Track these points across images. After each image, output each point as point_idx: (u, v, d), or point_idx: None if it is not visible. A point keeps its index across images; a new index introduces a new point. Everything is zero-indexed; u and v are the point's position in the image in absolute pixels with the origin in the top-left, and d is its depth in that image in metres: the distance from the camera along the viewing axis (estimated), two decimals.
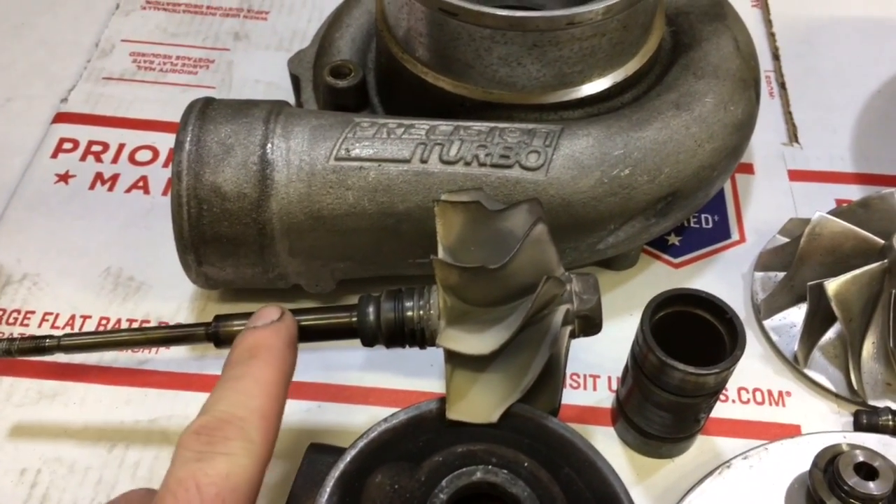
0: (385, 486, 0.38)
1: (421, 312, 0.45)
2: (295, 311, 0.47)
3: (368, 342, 0.47)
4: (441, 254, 0.44)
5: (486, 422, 0.42)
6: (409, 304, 0.46)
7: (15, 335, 0.58)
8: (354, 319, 0.46)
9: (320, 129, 0.54)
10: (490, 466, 0.38)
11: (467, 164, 0.53)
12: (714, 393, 0.48)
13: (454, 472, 0.38)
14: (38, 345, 0.49)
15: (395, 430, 0.43)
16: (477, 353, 0.42)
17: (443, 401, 0.43)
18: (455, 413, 0.42)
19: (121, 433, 0.54)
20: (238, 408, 0.38)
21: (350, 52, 0.67)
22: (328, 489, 0.40)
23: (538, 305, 0.42)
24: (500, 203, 0.45)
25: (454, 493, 0.37)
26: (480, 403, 0.43)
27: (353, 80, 0.63)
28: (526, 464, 0.39)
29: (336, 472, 0.41)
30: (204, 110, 0.54)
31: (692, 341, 0.48)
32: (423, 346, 0.47)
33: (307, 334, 0.46)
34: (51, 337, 0.49)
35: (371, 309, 0.46)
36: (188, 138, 0.52)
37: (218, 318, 0.47)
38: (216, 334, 0.47)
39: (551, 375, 0.44)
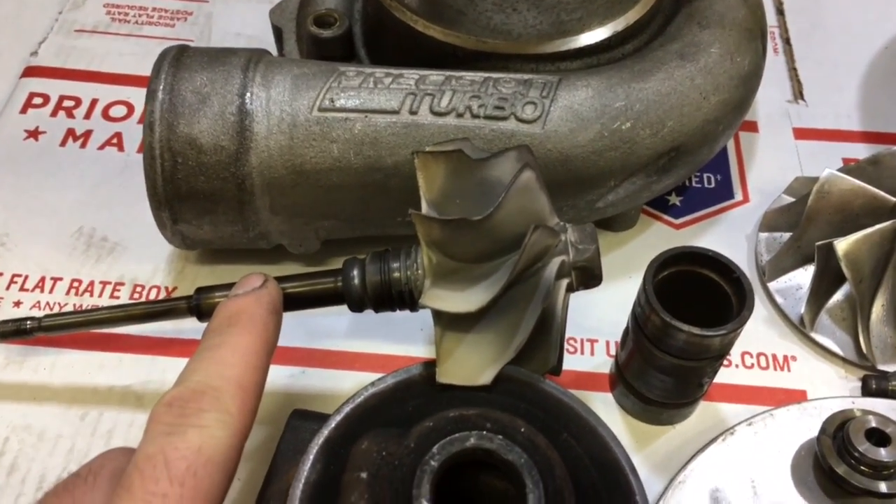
0: (372, 452, 0.35)
1: (408, 273, 0.43)
2: (278, 279, 0.45)
3: (356, 307, 0.44)
4: (425, 209, 0.41)
5: (477, 384, 0.40)
6: (395, 264, 0.43)
7: None
8: (340, 284, 0.44)
9: (303, 78, 0.50)
10: (484, 432, 0.35)
11: (459, 115, 0.50)
12: (719, 356, 0.46)
13: (446, 437, 0.35)
14: (19, 327, 0.48)
15: (382, 394, 0.40)
16: (463, 311, 0.39)
17: (431, 364, 0.41)
18: (444, 376, 0.40)
19: (94, 400, 0.51)
20: (214, 378, 0.35)
21: (335, 1, 0.64)
22: (311, 456, 0.38)
23: (528, 258, 0.40)
24: (487, 152, 0.42)
25: (446, 459, 0.34)
26: (471, 365, 0.40)
27: (339, 30, 0.59)
28: (522, 429, 0.36)
29: (320, 439, 0.38)
30: (178, 58, 0.51)
31: (695, 303, 0.45)
32: (413, 308, 0.44)
33: (291, 302, 0.44)
34: (31, 318, 0.48)
35: (356, 272, 0.44)
36: (161, 87, 0.49)
37: (200, 290, 0.45)
38: (198, 307, 0.45)
39: (546, 332, 0.42)
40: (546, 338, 0.42)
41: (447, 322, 0.41)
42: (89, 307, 0.55)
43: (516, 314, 0.41)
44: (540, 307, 0.40)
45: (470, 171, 0.42)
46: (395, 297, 0.44)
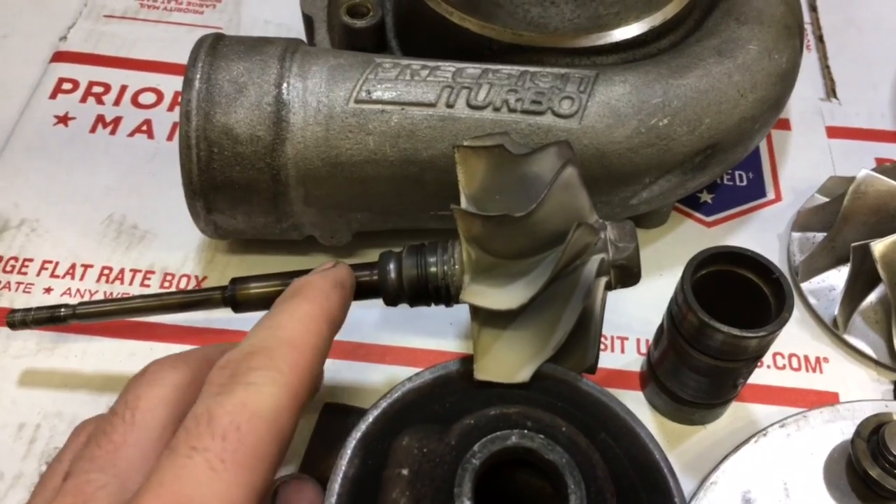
0: (413, 448, 0.35)
1: (445, 268, 0.42)
2: (311, 272, 0.44)
3: (391, 301, 0.44)
4: (464, 203, 0.41)
5: (515, 382, 0.40)
6: (432, 259, 0.43)
7: (12, 284, 0.55)
8: (376, 278, 0.43)
9: (339, 69, 0.50)
10: (525, 431, 0.35)
11: (496, 109, 0.50)
12: (756, 357, 0.46)
13: (487, 435, 0.35)
14: (53, 314, 0.47)
15: (419, 390, 0.40)
16: (503, 308, 0.39)
17: (469, 361, 0.41)
18: (482, 373, 0.40)
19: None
20: (267, 339, 0.35)
21: None
22: (349, 451, 0.38)
23: (569, 255, 0.39)
24: (527, 148, 0.42)
25: (487, 457, 0.34)
26: (509, 362, 0.40)
27: (372, 20, 0.59)
28: (563, 428, 0.36)
29: (358, 434, 0.38)
30: (215, 46, 0.50)
31: (732, 303, 0.45)
32: (448, 303, 0.44)
33: None
34: (66, 306, 0.47)
35: (392, 266, 0.43)
36: (198, 76, 0.49)
37: (234, 280, 0.45)
38: (233, 298, 0.45)
39: (585, 331, 0.42)
40: (584, 336, 0.42)
41: (485, 318, 0.41)
42: (120, 295, 0.55)
43: (555, 311, 0.41)
44: (580, 305, 0.40)
45: (511, 166, 0.42)
46: (431, 292, 0.43)
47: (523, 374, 0.40)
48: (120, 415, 0.35)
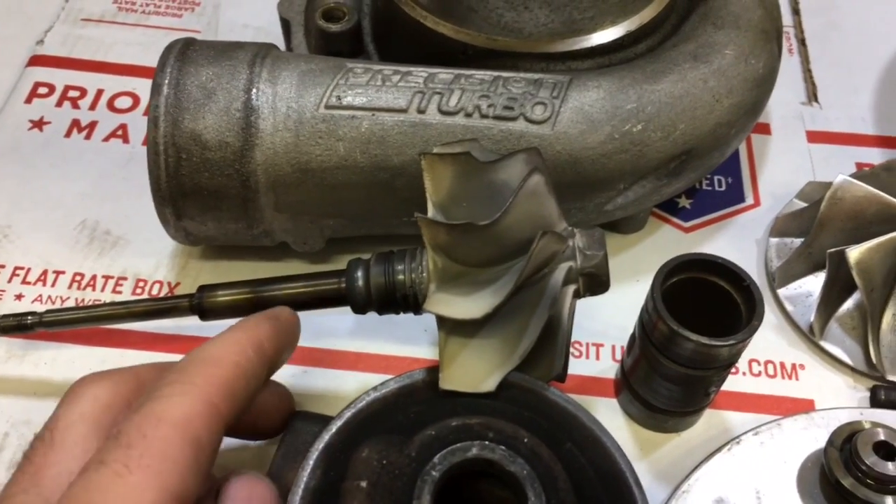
0: (372, 460, 0.35)
1: (413, 276, 0.42)
2: (280, 279, 0.45)
3: (359, 309, 0.44)
4: (431, 211, 0.41)
5: (481, 392, 0.39)
6: (399, 266, 0.43)
7: None
8: (343, 286, 0.43)
9: (310, 74, 0.50)
10: (487, 442, 0.35)
11: (468, 115, 0.49)
12: (727, 366, 0.45)
13: (447, 447, 0.35)
14: (20, 322, 0.47)
15: (384, 399, 0.40)
16: (467, 317, 0.39)
17: (435, 369, 0.40)
18: (448, 382, 0.39)
19: None
20: (185, 360, 0.36)
21: None
22: (311, 462, 0.37)
23: (536, 263, 0.39)
24: (496, 154, 0.41)
25: (447, 470, 0.34)
26: (475, 372, 0.40)
27: (347, 25, 0.59)
28: (526, 439, 0.36)
29: (320, 445, 0.38)
30: (184, 51, 0.50)
31: (704, 310, 0.44)
32: (417, 311, 0.44)
33: (293, 303, 0.43)
34: (33, 314, 0.47)
35: (360, 274, 0.43)
36: (166, 81, 0.48)
37: (202, 288, 0.45)
38: (200, 306, 0.44)
39: (552, 339, 0.41)
40: (552, 344, 0.42)
41: (451, 327, 0.41)
42: (91, 302, 0.55)
43: (522, 320, 0.40)
44: (546, 314, 0.40)
45: (478, 173, 0.41)
46: (399, 300, 0.43)
47: (489, 384, 0.40)
48: (40, 436, 0.35)
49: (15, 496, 0.33)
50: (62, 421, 0.35)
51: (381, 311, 0.44)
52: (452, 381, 0.40)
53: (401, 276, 0.42)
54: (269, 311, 0.41)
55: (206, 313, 0.45)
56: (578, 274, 0.41)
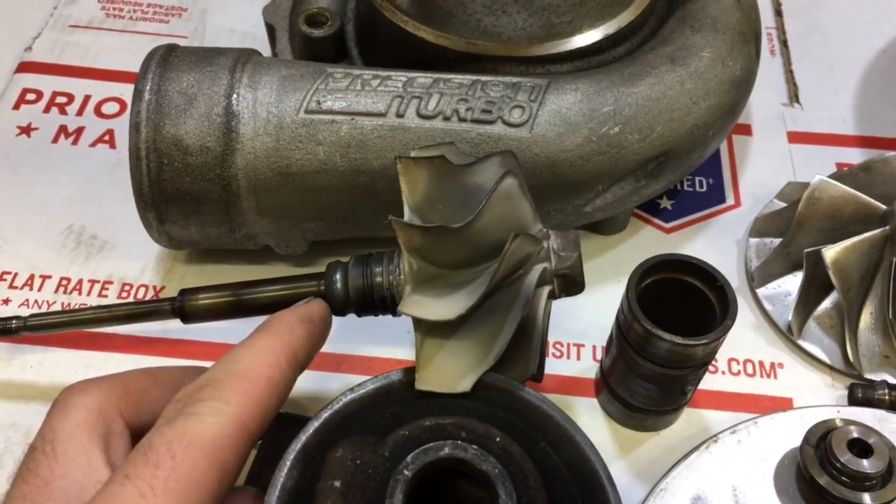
0: (346, 460, 0.36)
1: (391, 278, 0.43)
2: (260, 282, 0.45)
3: (338, 311, 0.44)
4: (407, 214, 0.41)
5: (456, 392, 0.40)
6: (377, 269, 0.43)
7: None
8: (322, 288, 0.44)
9: (290, 79, 0.50)
10: (459, 441, 0.36)
11: (446, 118, 0.50)
12: (702, 364, 0.46)
13: (420, 446, 0.35)
14: (4, 326, 0.48)
15: (361, 400, 0.40)
16: (441, 318, 0.39)
17: (412, 370, 0.41)
18: (424, 383, 0.40)
19: None
20: (220, 372, 0.36)
21: (328, 1, 0.63)
22: (288, 462, 0.38)
23: (509, 265, 0.40)
24: (472, 158, 0.42)
25: (419, 469, 0.34)
26: (450, 372, 0.40)
27: (330, 30, 0.59)
28: (498, 438, 0.36)
29: (298, 445, 0.38)
30: (166, 58, 0.50)
31: (681, 310, 0.45)
32: (395, 313, 0.44)
33: (273, 306, 0.43)
34: (17, 318, 0.47)
35: (339, 276, 0.43)
36: (148, 87, 0.49)
37: (184, 292, 0.45)
38: (182, 309, 0.45)
39: (527, 340, 0.42)
40: (527, 345, 0.42)
41: (427, 329, 0.41)
42: (76, 306, 0.55)
43: (497, 321, 0.41)
44: (520, 314, 0.40)
45: (452, 176, 0.42)
46: (377, 302, 0.44)
47: (464, 385, 0.40)
48: (40, 449, 0.35)
49: None
50: (60, 432, 0.36)
51: (359, 313, 0.45)
52: (428, 381, 0.40)
53: (378, 279, 0.43)
54: (304, 311, 0.41)
55: (187, 316, 0.45)
56: (553, 275, 0.42)
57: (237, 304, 0.45)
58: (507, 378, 0.41)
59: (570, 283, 0.43)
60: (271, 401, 0.36)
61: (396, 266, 0.43)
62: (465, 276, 0.42)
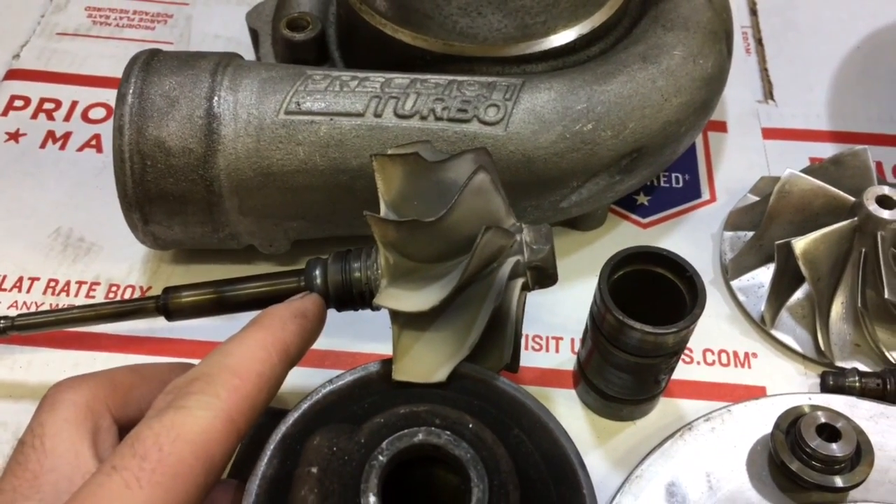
0: (323, 447, 0.37)
1: (368, 273, 0.44)
2: (242, 279, 0.46)
3: None
4: (383, 210, 0.43)
5: (431, 381, 0.41)
6: (356, 264, 0.44)
7: None
8: (302, 284, 0.45)
9: (270, 81, 0.51)
10: (433, 428, 0.37)
11: (423, 118, 0.51)
12: (674, 353, 0.47)
13: (395, 433, 0.36)
14: None
15: (339, 391, 0.41)
16: (416, 310, 0.40)
17: (389, 362, 0.42)
18: (401, 374, 0.41)
19: None
20: (211, 366, 0.36)
21: (311, 5, 0.65)
22: (268, 452, 0.39)
23: (481, 258, 0.41)
24: (446, 155, 0.43)
25: (394, 455, 0.35)
26: (426, 363, 0.41)
27: (311, 34, 0.60)
28: (471, 425, 0.37)
29: (277, 436, 0.39)
30: (149, 62, 0.52)
31: (653, 301, 0.46)
32: (373, 307, 0.45)
33: (255, 302, 0.45)
34: (5, 318, 0.48)
35: (318, 272, 0.44)
36: (130, 90, 0.50)
37: (167, 290, 0.46)
38: (166, 307, 0.46)
39: (500, 331, 0.43)
40: (501, 336, 0.43)
41: (404, 321, 0.42)
42: (63, 306, 0.56)
43: (471, 313, 0.42)
44: (493, 305, 0.41)
45: (427, 173, 0.43)
46: (355, 297, 0.45)
47: (440, 374, 0.41)
48: (29, 444, 0.36)
49: (17, 503, 0.34)
50: (49, 427, 0.36)
51: (339, 308, 0.46)
52: (405, 372, 0.41)
53: (357, 274, 0.44)
54: (297, 306, 0.41)
55: (171, 314, 0.46)
56: (526, 267, 0.43)
57: (220, 300, 0.46)
58: (482, 368, 0.43)
59: (543, 276, 0.44)
60: (260, 396, 0.36)
61: (374, 261, 0.44)
62: (439, 269, 0.43)
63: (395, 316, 0.42)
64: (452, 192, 0.42)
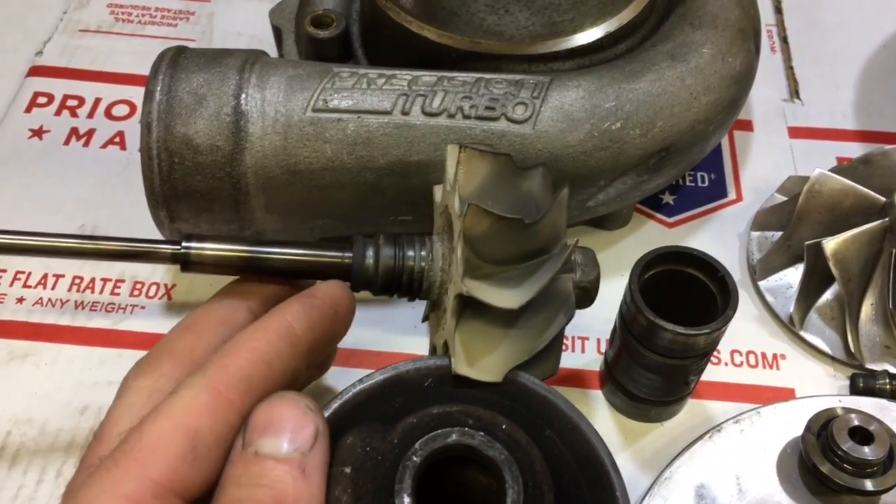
0: (356, 447, 0.36)
1: (423, 263, 0.43)
2: (281, 243, 0.43)
3: (359, 286, 0.44)
4: (456, 203, 0.42)
5: (493, 380, 0.40)
6: (410, 252, 0.44)
7: None
8: (349, 261, 0.43)
9: (297, 79, 0.51)
10: (466, 429, 0.36)
11: (451, 116, 0.51)
12: (704, 354, 0.47)
13: (428, 434, 0.36)
14: None
15: (370, 391, 0.41)
16: (506, 306, 0.40)
17: (420, 360, 0.42)
18: (463, 368, 0.40)
19: (94, 394, 0.53)
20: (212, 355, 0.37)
21: (334, 2, 0.64)
22: None
23: (561, 267, 0.41)
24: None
25: (428, 455, 0.35)
26: (490, 361, 0.41)
27: (336, 31, 0.60)
28: (504, 426, 0.37)
29: None
30: (176, 59, 0.51)
31: (683, 302, 0.46)
32: (413, 297, 0.45)
33: (291, 273, 0.43)
34: None
35: (370, 252, 0.43)
36: (158, 88, 0.50)
37: (190, 236, 0.41)
38: (187, 256, 0.41)
39: (557, 342, 0.43)
40: (554, 347, 0.43)
41: (471, 315, 0.41)
42: (90, 305, 0.56)
43: (541, 320, 0.42)
44: (565, 318, 0.41)
45: (511, 177, 0.43)
46: (404, 284, 0.44)
47: (499, 374, 0.40)
48: (98, 434, 0.37)
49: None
50: (111, 416, 0.37)
51: (378, 292, 0.44)
52: (467, 367, 0.40)
53: (411, 262, 0.43)
54: (307, 290, 0.41)
55: (190, 264, 0.41)
56: (575, 287, 0.43)
57: (250, 261, 0.42)
58: (522, 371, 0.42)
59: (587, 297, 0.44)
60: (256, 369, 0.36)
61: (430, 252, 0.43)
62: (506, 272, 0.42)
63: (463, 309, 0.41)
64: (524, 201, 0.42)
